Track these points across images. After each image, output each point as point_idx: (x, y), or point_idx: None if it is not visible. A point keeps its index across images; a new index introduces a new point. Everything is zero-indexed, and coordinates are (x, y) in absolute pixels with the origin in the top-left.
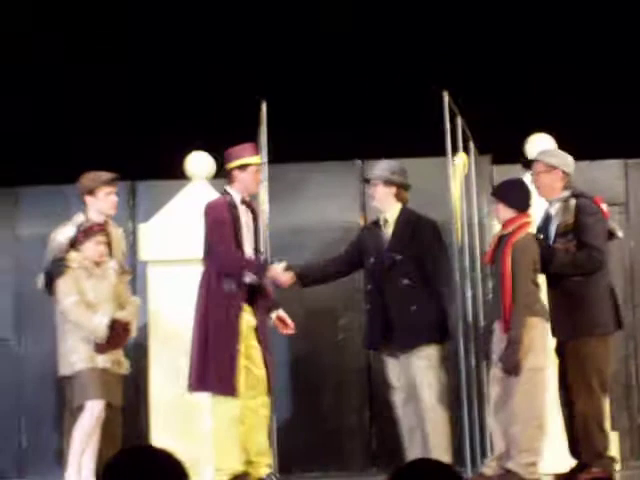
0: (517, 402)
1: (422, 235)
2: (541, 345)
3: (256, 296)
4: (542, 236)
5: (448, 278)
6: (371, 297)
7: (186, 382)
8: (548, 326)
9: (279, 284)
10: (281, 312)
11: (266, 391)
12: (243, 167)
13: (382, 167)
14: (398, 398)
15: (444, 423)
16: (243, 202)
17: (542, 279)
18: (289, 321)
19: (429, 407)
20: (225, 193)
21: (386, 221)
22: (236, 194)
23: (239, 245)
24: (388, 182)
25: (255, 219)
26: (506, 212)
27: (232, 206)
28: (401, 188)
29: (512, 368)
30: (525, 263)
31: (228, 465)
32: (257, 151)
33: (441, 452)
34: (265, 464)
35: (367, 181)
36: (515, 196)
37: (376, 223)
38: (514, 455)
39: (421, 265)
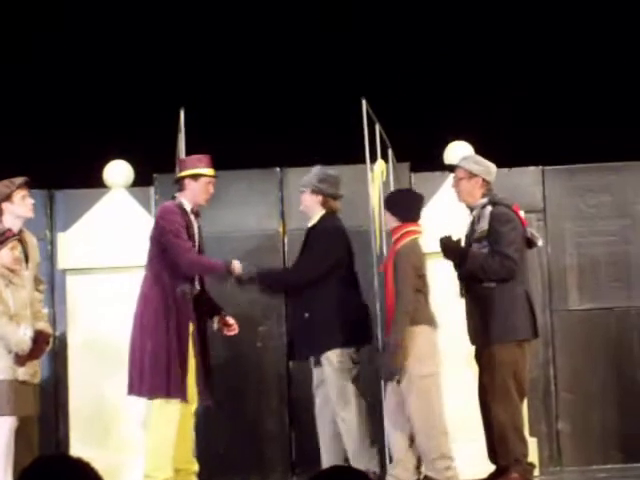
0: (412, 412)
1: (312, 243)
2: (428, 352)
3: (196, 303)
4: (465, 241)
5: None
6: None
7: (126, 386)
8: (436, 333)
9: (240, 284)
10: (224, 315)
11: (195, 399)
12: (195, 177)
13: (312, 174)
14: (316, 403)
15: (353, 428)
16: (192, 212)
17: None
18: (232, 321)
19: (337, 413)
20: (174, 199)
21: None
22: (186, 202)
23: None
24: (314, 190)
25: (200, 229)
26: (391, 221)
27: (184, 212)
28: (327, 197)
29: (388, 374)
30: (404, 270)
31: (159, 473)
32: (211, 163)
33: (355, 457)
34: (192, 472)
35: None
36: (400, 206)
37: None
38: (427, 463)
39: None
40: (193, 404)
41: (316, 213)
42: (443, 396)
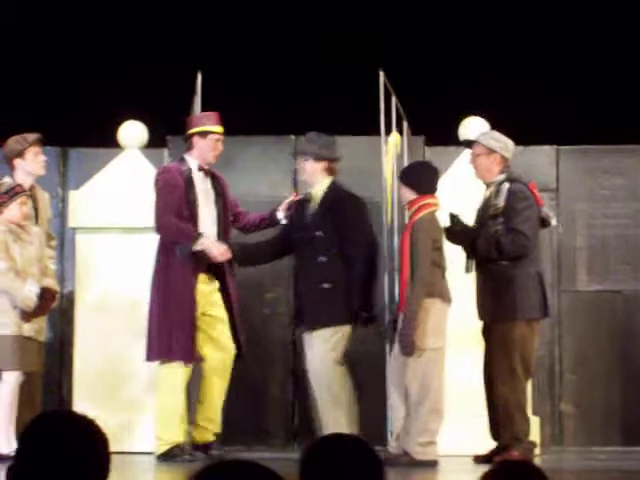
0: (408, 383)
1: (344, 212)
2: (437, 327)
3: (215, 262)
4: (478, 218)
5: (367, 259)
6: (294, 274)
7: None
8: (448, 308)
9: (212, 257)
10: (284, 204)
11: (229, 357)
12: (203, 134)
13: (311, 141)
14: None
15: (333, 406)
16: (201, 170)
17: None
18: (291, 199)
19: (317, 390)
20: (181, 160)
21: (313, 196)
22: (192, 161)
23: (192, 213)
24: (317, 157)
25: (220, 189)
26: (408, 194)
27: (185, 172)
28: (330, 162)
29: (406, 346)
30: (423, 242)
31: (168, 435)
32: (220, 121)
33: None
34: (210, 430)
35: (296, 154)
36: (417, 179)
37: (305, 198)
38: (408, 436)
39: (341, 243)
40: (220, 362)
41: (320, 180)
42: (444, 373)
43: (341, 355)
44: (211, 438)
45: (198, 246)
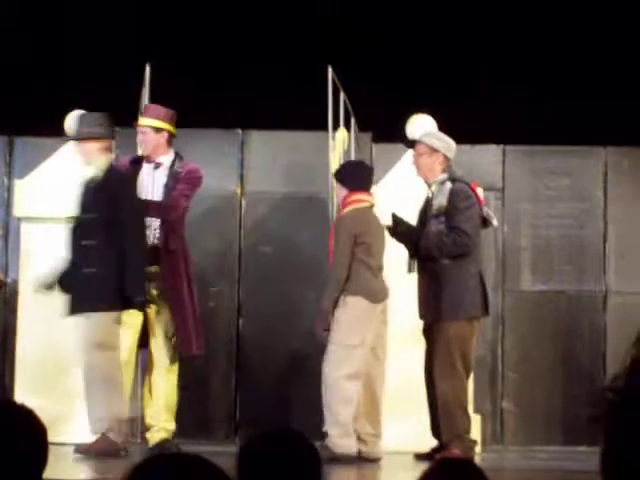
0: (323, 376)
1: (119, 194)
2: (355, 325)
3: (159, 255)
4: (421, 218)
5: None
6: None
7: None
8: (376, 307)
9: None
10: None
11: (170, 355)
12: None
13: (84, 121)
14: None
15: (94, 390)
16: (149, 161)
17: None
18: None
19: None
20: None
21: (93, 177)
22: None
23: None
24: (90, 137)
25: (171, 180)
26: (340, 191)
27: (134, 163)
28: (104, 140)
29: (318, 339)
30: (341, 238)
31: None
32: (144, 112)
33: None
34: (162, 428)
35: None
36: (347, 176)
37: (88, 180)
38: (327, 430)
39: (108, 226)
40: (161, 360)
41: (98, 160)
42: (364, 368)
43: (105, 340)
44: (162, 435)
45: None
